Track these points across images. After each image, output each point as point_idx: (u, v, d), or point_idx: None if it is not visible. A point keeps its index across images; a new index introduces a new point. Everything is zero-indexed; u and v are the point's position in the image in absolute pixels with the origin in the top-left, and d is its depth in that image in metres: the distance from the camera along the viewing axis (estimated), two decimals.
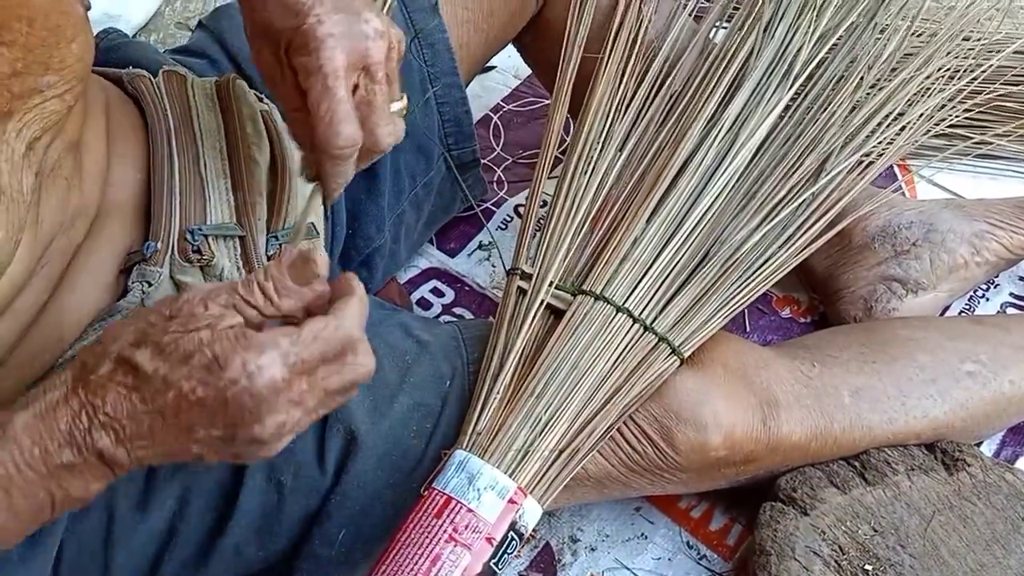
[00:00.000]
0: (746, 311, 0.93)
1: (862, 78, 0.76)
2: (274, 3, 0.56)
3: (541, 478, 0.60)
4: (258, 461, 0.59)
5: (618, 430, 0.66)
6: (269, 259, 0.68)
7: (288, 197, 0.72)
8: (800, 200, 0.72)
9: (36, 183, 0.52)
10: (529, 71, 1.12)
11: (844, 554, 0.66)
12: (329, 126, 0.54)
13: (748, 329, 0.92)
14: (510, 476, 0.58)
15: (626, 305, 0.66)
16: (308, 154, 0.60)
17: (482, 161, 0.95)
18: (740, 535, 0.77)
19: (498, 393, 0.63)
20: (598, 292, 0.66)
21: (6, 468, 0.44)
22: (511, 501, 0.57)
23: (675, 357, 0.66)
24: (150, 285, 0.63)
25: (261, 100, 0.79)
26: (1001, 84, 0.94)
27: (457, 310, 0.97)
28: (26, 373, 0.60)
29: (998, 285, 0.92)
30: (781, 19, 0.78)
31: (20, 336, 0.59)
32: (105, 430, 0.44)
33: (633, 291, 0.67)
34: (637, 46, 0.79)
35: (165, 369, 0.43)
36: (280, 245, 0.69)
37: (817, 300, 0.93)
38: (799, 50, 0.76)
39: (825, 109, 0.75)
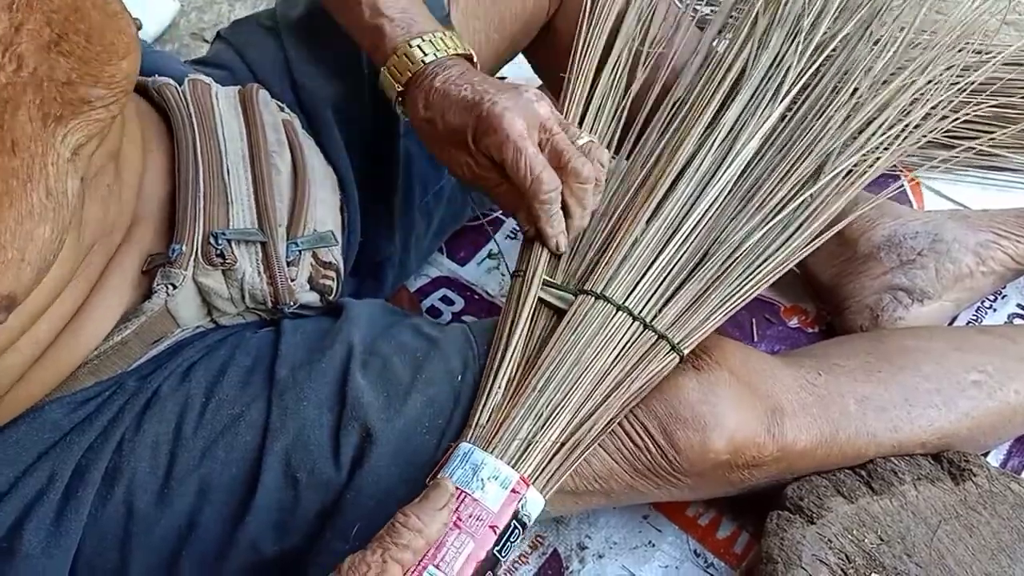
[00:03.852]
0: (754, 321, 0.93)
1: (857, 86, 0.76)
2: (454, 109, 0.67)
3: (543, 469, 0.61)
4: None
5: (623, 429, 0.66)
6: (289, 265, 0.70)
7: (307, 205, 0.73)
8: (798, 202, 0.72)
9: (81, 188, 0.55)
10: (538, 81, 1.13)
11: (850, 563, 0.66)
12: (533, 177, 0.65)
13: (756, 339, 0.92)
14: (512, 467, 0.59)
15: (626, 304, 0.67)
16: (521, 214, 0.70)
17: None
18: (747, 543, 0.78)
19: (500, 388, 0.64)
20: (599, 292, 0.68)
21: None
22: (513, 491, 0.58)
23: (675, 354, 0.66)
24: (175, 287, 0.64)
25: (282, 110, 0.80)
26: (1004, 94, 0.95)
27: (467, 318, 0.98)
28: (53, 370, 0.62)
29: (1005, 296, 0.93)
30: (778, 27, 0.79)
31: (56, 335, 0.61)
32: None
33: (633, 290, 0.68)
34: (636, 52, 0.81)
35: None
36: (299, 252, 0.70)
37: (824, 310, 0.94)
38: (796, 57, 0.77)
39: (823, 114, 0.76)
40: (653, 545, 0.78)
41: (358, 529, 0.61)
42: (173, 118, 0.72)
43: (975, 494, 0.71)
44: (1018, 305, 0.93)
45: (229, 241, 0.67)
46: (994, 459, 0.81)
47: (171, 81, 0.74)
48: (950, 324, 0.89)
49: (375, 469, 0.63)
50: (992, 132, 0.97)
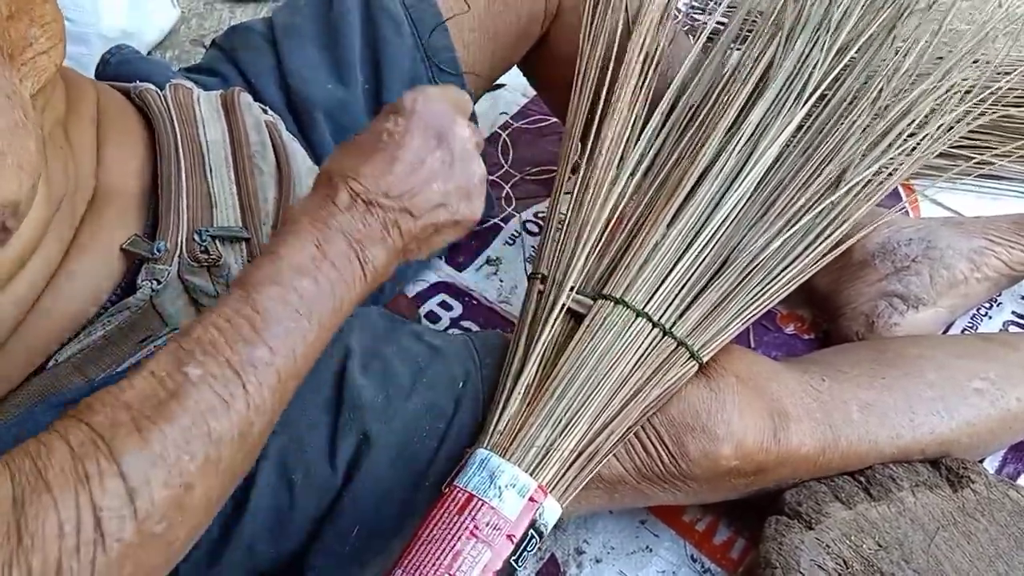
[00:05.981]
0: (751, 327, 0.93)
1: (880, 92, 0.76)
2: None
3: (561, 478, 0.60)
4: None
5: (635, 436, 0.66)
6: None
7: (292, 203, 0.73)
8: (819, 210, 0.72)
9: (42, 137, 0.56)
10: (533, 92, 1.14)
11: (848, 568, 0.66)
12: None
13: (753, 345, 0.93)
14: (531, 475, 0.58)
15: (645, 310, 0.66)
16: None
17: (490, 177, 0.96)
18: (744, 549, 0.78)
19: (519, 393, 0.63)
20: (618, 296, 0.67)
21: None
22: (531, 499, 0.57)
23: (694, 362, 0.66)
24: (159, 283, 0.64)
25: (265, 112, 0.81)
26: (1004, 105, 0.96)
27: (465, 323, 0.98)
28: (37, 339, 0.62)
29: (1000, 303, 0.93)
30: (801, 32, 0.79)
31: (36, 297, 0.60)
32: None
33: (652, 296, 0.67)
34: (652, 61, 0.81)
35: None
36: None
37: (820, 317, 0.94)
38: (817, 63, 0.77)
39: (844, 121, 0.76)
40: (650, 550, 0.78)
41: (357, 531, 0.61)
42: (154, 121, 0.72)
43: (973, 501, 0.71)
44: (1013, 312, 0.93)
45: (213, 238, 0.67)
46: (990, 466, 0.81)
47: (151, 86, 0.75)
48: (945, 331, 0.89)
49: (373, 471, 0.62)
50: (990, 141, 0.98)
